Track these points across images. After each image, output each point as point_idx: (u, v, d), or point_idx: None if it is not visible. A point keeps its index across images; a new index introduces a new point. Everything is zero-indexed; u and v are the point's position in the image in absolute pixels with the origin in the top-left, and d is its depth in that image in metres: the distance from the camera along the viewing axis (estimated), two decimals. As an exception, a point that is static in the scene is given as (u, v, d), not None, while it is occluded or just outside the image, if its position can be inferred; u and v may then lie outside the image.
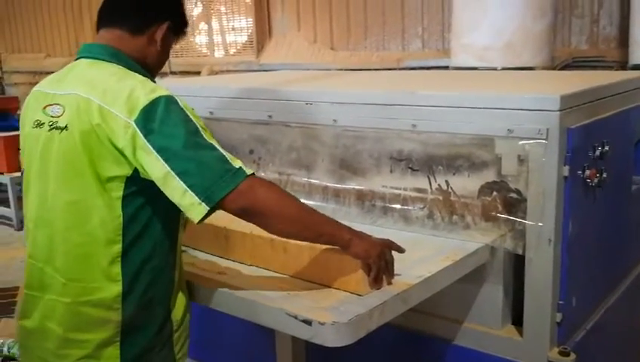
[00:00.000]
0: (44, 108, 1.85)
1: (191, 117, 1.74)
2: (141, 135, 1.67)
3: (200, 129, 1.73)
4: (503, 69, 4.84)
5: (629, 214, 2.78)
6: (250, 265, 2.09)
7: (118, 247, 1.77)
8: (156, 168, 1.67)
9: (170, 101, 1.73)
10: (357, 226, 2.39)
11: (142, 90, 1.73)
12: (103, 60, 1.87)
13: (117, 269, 1.78)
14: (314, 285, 1.90)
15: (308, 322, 1.67)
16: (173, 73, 9.20)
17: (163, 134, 1.68)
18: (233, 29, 8.81)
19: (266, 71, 6.40)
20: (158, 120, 1.68)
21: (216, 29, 8.99)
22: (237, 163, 1.70)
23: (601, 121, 2.31)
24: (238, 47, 8.80)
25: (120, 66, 1.85)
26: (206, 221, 1.79)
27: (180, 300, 1.96)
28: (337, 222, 1.85)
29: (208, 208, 1.66)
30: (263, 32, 8.42)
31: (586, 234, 2.26)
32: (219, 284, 1.96)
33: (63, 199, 1.80)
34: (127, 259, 1.78)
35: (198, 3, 9.10)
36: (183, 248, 2.11)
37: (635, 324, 3.16)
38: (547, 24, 5.03)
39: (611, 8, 5.95)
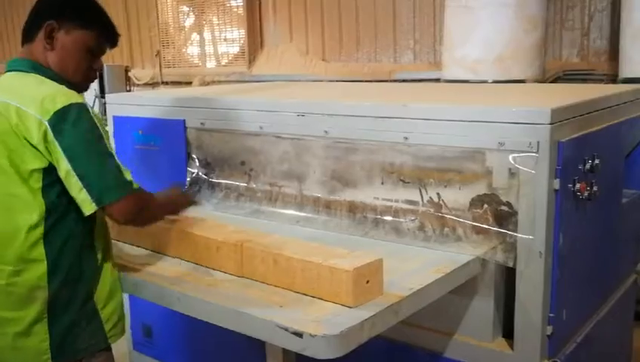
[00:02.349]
0: None
1: (98, 125, 1.97)
2: (51, 133, 1.90)
3: (104, 138, 1.98)
4: (494, 81, 4.85)
5: (619, 227, 2.79)
6: (241, 277, 2.08)
7: (40, 230, 1.97)
8: (60, 165, 1.92)
9: (81, 108, 1.95)
10: (348, 238, 2.41)
11: (57, 96, 1.94)
12: (24, 72, 2.08)
13: (40, 249, 1.98)
14: (304, 297, 1.90)
15: (299, 334, 1.66)
16: (164, 83, 9.20)
17: (70, 137, 1.91)
18: (225, 39, 8.80)
19: (257, 82, 6.40)
20: (68, 123, 1.91)
21: (208, 40, 8.99)
22: (128, 176, 1.98)
23: (591, 134, 2.32)
24: (230, 58, 8.79)
25: (39, 75, 2.05)
26: (198, 232, 2.22)
27: (104, 281, 2.13)
28: (168, 200, 2.32)
29: (97, 208, 1.93)
30: (254, 43, 8.42)
31: (576, 247, 2.26)
32: (208, 295, 1.96)
33: None
34: (49, 240, 1.99)
35: (190, 14, 9.10)
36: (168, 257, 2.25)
37: (626, 337, 3.17)
38: (538, 37, 5.05)
39: (602, 22, 5.97)
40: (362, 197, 2.48)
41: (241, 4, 8.37)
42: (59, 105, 1.91)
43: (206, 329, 2.38)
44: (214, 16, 8.86)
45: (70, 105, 1.92)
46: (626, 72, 5.10)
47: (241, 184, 2.85)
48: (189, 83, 8.54)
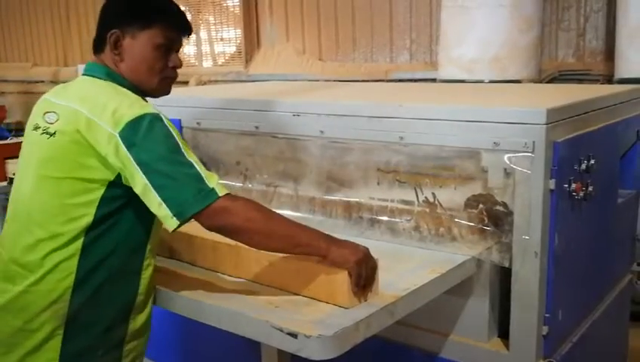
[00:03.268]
0: (44, 114, 1.94)
1: (174, 134, 1.81)
2: (123, 147, 1.76)
3: (181, 147, 1.81)
4: (490, 81, 4.86)
5: (614, 227, 2.79)
6: (236, 277, 2.08)
7: (79, 242, 1.83)
8: (136, 179, 1.76)
9: (155, 118, 1.81)
10: (344, 238, 2.39)
11: (129, 106, 1.81)
12: (99, 78, 1.96)
13: (74, 262, 1.83)
14: (300, 298, 1.89)
15: (294, 335, 1.66)
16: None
17: (144, 148, 1.76)
18: (222, 39, 8.81)
19: (254, 81, 6.40)
20: (141, 134, 1.76)
21: (204, 39, 8.99)
22: (212, 182, 1.77)
23: (587, 134, 2.32)
24: (227, 58, 8.79)
25: (114, 84, 1.94)
26: (194, 233, 2.07)
27: (145, 313, 2.01)
28: (316, 231, 1.87)
29: (179, 222, 1.74)
30: (251, 43, 8.43)
31: (572, 247, 2.26)
32: (203, 296, 1.96)
33: (38, 198, 1.88)
34: (86, 254, 1.84)
35: (187, 13, 9.09)
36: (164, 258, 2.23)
37: (621, 336, 3.17)
38: (534, 37, 5.06)
39: (597, 22, 5.99)
40: (358, 197, 2.48)
41: (238, 3, 8.37)
42: (131, 117, 1.77)
43: (201, 329, 2.38)
44: (211, 16, 8.86)
45: (143, 116, 1.79)
46: (621, 72, 5.12)
47: (237, 184, 2.84)
48: (186, 83, 8.52)
